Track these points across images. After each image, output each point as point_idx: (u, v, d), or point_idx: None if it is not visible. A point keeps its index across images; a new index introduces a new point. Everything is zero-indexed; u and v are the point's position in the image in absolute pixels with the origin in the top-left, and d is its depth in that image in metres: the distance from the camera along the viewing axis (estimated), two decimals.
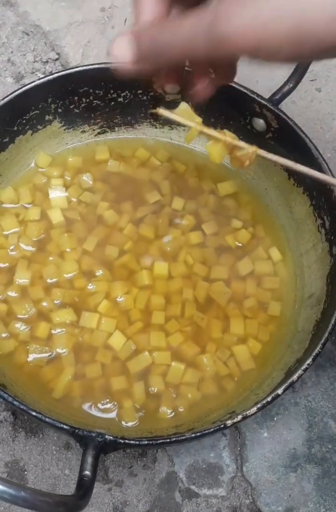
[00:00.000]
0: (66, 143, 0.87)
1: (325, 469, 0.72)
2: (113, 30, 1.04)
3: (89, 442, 0.57)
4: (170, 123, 0.87)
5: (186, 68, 0.56)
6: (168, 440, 0.61)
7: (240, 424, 0.67)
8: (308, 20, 0.40)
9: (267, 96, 0.78)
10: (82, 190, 0.83)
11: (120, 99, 0.85)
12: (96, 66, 0.81)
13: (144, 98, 0.85)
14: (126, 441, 0.59)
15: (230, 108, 0.80)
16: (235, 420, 0.61)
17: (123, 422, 0.68)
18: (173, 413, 0.69)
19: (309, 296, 0.75)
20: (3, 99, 0.77)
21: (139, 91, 0.84)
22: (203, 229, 0.80)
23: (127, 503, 0.69)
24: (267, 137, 0.80)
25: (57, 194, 0.82)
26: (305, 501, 0.70)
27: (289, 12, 0.41)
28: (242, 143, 0.54)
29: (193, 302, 0.75)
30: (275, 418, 0.74)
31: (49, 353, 0.71)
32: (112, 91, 0.84)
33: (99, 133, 0.88)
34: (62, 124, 0.85)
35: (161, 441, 0.61)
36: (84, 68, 0.81)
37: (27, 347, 0.71)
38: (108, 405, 0.69)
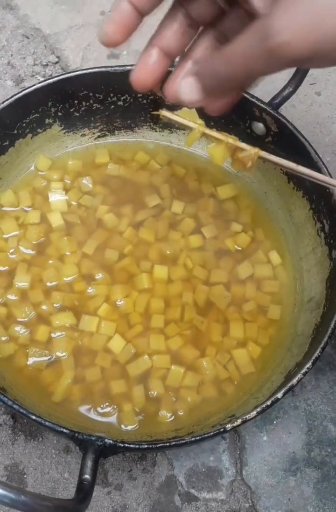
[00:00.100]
0: (66, 147, 0.87)
1: (324, 473, 0.72)
2: None
3: (89, 446, 0.57)
4: (170, 127, 0.87)
5: None
6: (168, 443, 0.61)
7: (239, 427, 0.67)
8: None
9: (266, 100, 0.79)
10: (82, 194, 0.83)
11: (120, 103, 0.85)
12: (96, 69, 0.82)
13: (144, 101, 0.85)
14: (126, 445, 0.59)
15: (229, 112, 0.80)
16: (234, 424, 0.61)
17: (123, 426, 0.68)
18: (173, 417, 0.69)
19: (309, 299, 0.75)
20: (3, 102, 0.77)
21: (139, 95, 0.84)
22: (203, 232, 0.81)
23: (127, 506, 0.69)
24: (266, 141, 0.80)
25: (57, 197, 0.82)
26: (304, 505, 0.70)
27: None
28: (244, 145, 0.54)
29: (192, 306, 0.75)
30: (275, 422, 0.74)
31: (48, 357, 0.71)
32: (112, 95, 0.84)
33: (99, 136, 0.88)
34: (62, 127, 0.85)
35: (161, 445, 0.61)
36: (84, 71, 0.81)
37: (27, 350, 0.71)
38: (108, 409, 0.69)
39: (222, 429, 0.60)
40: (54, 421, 0.60)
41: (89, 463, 0.56)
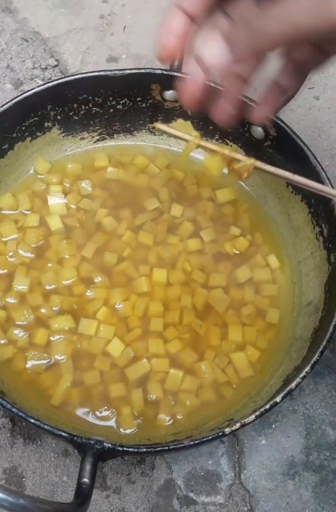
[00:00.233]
0: (65, 150, 0.87)
1: (323, 476, 0.72)
2: (112, 37, 1.05)
3: (87, 450, 0.57)
4: None
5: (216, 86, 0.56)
6: (166, 447, 0.61)
7: (238, 431, 0.67)
8: None
9: None
10: (81, 197, 0.83)
11: (119, 106, 0.85)
12: (95, 73, 0.82)
13: (143, 105, 0.85)
14: (125, 448, 0.59)
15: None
16: (233, 428, 0.61)
17: (121, 429, 0.68)
18: (171, 420, 0.69)
19: (307, 303, 0.76)
20: (2, 106, 0.77)
21: (138, 99, 0.84)
22: (202, 236, 0.81)
23: (126, 510, 0.69)
24: (265, 145, 0.80)
25: (56, 201, 0.82)
26: (303, 509, 0.70)
27: None
28: (239, 156, 0.54)
29: (191, 309, 0.75)
30: (273, 426, 0.74)
31: (47, 360, 0.71)
32: (111, 98, 0.84)
33: (98, 140, 0.88)
34: (61, 131, 0.85)
35: (159, 448, 0.61)
36: (83, 75, 0.82)
37: (26, 353, 0.71)
38: (107, 412, 0.69)
39: (220, 433, 0.60)
40: (53, 425, 0.60)
41: (88, 467, 0.56)
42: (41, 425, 0.59)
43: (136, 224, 0.81)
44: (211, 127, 0.80)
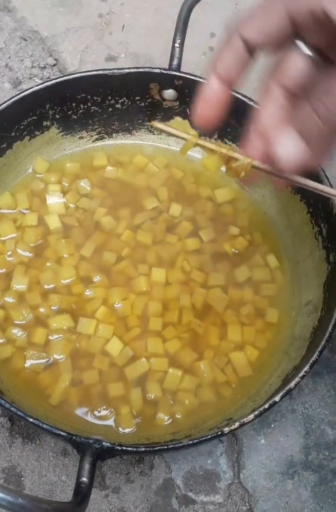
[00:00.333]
0: (64, 149, 0.87)
1: (322, 476, 0.72)
2: (111, 36, 1.04)
3: (86, 449, 0.57)
4: None
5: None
6: (165, 447, 0.61)
7: (237, 431, 0.67)
8: None
9: None
10: (80, 196, 0.83)
11: (118, 106, 0.85)
12: (94, 72, 0.82)
13: (142, 104, 0.85)
14: (124, 447, 0.59)
15: (227, 116, 0.80)
16: (232, 427, 0.61)
17: (120, 429, 0.68)
18: (170, 420, 0.69)
19: (306, 303, 0.75)
20: (0, 105, 0.77)
21: (137, 98, 0.84)
22: (200, 235, 0.81)
23: (124, 509, 0.69)
24: None
25: (54, 200, 0.82)
26: (302, 508, 0.70)
27: None
28: (237, 155, 0.54)
29: (190, 309, 0.75)
30: (272, 425, 0.74)
31: (46, 359, 0.71)
32: (110, 98, 0.84)
33: (97, 139, 0.88)
34: (60, 130, 0.85)
35: (158, 447, 0.61)
36: (82, 74, 0.81)
37: (24, 353, 0.71)
38: (106, 412, 0.69)
39: (219, 432, 0.60)
40: (52, 424, 0.60)
41: (86, 466, 0.56)
42: (40, 424, 0.59)
43: (135, 223, 0.81)
44: (210, 126, 0.80)
